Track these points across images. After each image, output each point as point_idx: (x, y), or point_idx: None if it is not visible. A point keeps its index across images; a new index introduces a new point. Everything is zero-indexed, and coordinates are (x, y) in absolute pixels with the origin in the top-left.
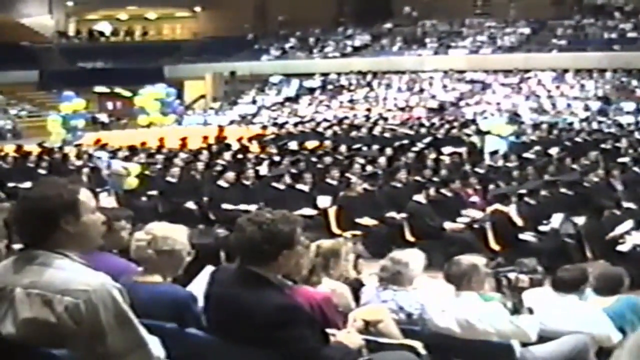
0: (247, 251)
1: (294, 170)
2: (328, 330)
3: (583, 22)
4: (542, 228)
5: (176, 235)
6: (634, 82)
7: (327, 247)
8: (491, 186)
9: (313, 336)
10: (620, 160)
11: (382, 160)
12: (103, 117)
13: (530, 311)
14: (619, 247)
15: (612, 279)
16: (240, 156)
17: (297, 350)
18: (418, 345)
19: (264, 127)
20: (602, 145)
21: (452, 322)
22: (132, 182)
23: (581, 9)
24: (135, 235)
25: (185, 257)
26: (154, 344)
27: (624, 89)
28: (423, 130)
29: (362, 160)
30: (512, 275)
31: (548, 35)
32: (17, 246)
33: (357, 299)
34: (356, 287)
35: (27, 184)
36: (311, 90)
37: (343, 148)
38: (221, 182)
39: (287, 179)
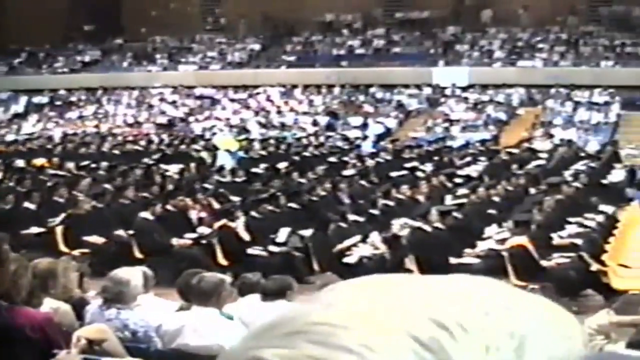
0: None
1: (21, 189)
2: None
3: (312, 39)
4: (269, 242)
5: None
6: (361, 98)
7: (43, 267)
8: (216, 202)
9: (31, 357)
10: (346, 173)
11: (110, 177)
12: None
13: None
14: (346, 259)
15: None
16: None
17: None
18: None
19: None
20: (330, 159)
21: (190, 337)
22: None
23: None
24: None
25: None
26: None
27: (352, 104)
28: (152, 147)
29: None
30: None
31: (277, 51)
32: None
33: (81, 317)
34: (80, 305)
35: None
36: (40, 107)
37: (71, 165)
38: None
39: (14, 198)
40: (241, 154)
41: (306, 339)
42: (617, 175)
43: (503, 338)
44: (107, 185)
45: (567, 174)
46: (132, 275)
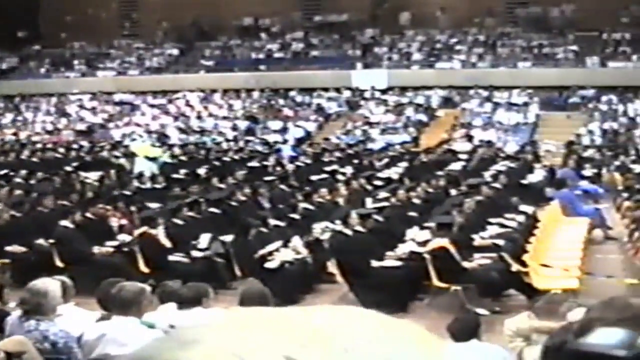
0: None
1: None
2: None
3: (230, 43)
4: (191, 248)
5: None
6: (281, 101)
7: None
8: (134, 208)
9: None
10: (267, 178)
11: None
12: None
13: None
14: (267, 265)
15: (256, 299)
16: None
17: None
18: None
19: None
20: (250, 164)
21: (111, 347)
22: None
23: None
24: None
25: None
26: None
27: (271, 108)
28: (72, 154)
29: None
30: None
31: (196, 56)
32: None
33: (1, 330)
34: (0, 317)
35: None
36: None
37: None
38: None
39: None
40: (166, 159)
41: None
42: (536, 175)
43: None
44: (26, 194)
45: (487, 175)
46: (50, 285)
